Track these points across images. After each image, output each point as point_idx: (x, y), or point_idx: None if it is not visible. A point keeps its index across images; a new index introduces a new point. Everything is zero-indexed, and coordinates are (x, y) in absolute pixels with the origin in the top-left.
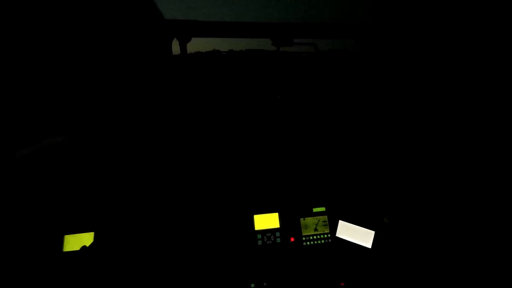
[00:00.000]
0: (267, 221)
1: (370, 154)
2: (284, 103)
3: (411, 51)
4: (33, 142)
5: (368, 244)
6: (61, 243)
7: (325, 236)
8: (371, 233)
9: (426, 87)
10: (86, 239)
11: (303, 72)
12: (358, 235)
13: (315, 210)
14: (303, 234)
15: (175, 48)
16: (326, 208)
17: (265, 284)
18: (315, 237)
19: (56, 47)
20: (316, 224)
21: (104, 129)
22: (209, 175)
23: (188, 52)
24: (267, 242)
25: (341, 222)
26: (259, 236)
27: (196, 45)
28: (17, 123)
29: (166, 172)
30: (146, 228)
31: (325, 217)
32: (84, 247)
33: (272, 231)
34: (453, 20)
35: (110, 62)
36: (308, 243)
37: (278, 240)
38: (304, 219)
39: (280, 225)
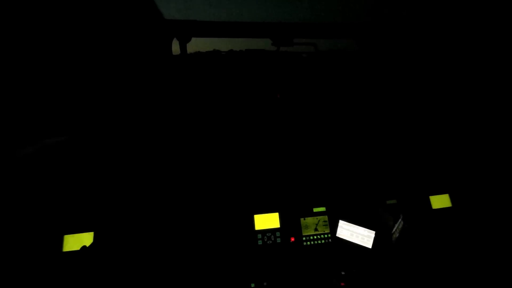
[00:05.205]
0: (267, 221)
1: (370, 153)
2: (284, 102)
3: (411, 51)
4: (33, 142)
5: (368, 244)
6: (61, 243)
7: (325, 236)
8: (371, 233)
9: (425, 87)
10: (86, 239)
11: (303, 72)
12: (358, 235)
13: (315, 210)
14: (303, 234)
15: (175, 48)
16: (326, 208)
17: (265, 284)
18: (315, 237)
19: (57, 47)
20: (316, 224)
21: (104, 129)
22: (210, 175)
23: (188, 52)
24: (267, 242)
25: (341, 222)
26: (259, 236)
27: (196, 45)
28: (18, 122)
29: (166, 172)
30: (146, 228)
31: (325, 217)
32: (84, 247)
33: (272, 231)
34: (452, 20)
35: (110, 62)
36: (308, 243)
37: (278, 240)
38: (304, 219)
39: (280, 225)
